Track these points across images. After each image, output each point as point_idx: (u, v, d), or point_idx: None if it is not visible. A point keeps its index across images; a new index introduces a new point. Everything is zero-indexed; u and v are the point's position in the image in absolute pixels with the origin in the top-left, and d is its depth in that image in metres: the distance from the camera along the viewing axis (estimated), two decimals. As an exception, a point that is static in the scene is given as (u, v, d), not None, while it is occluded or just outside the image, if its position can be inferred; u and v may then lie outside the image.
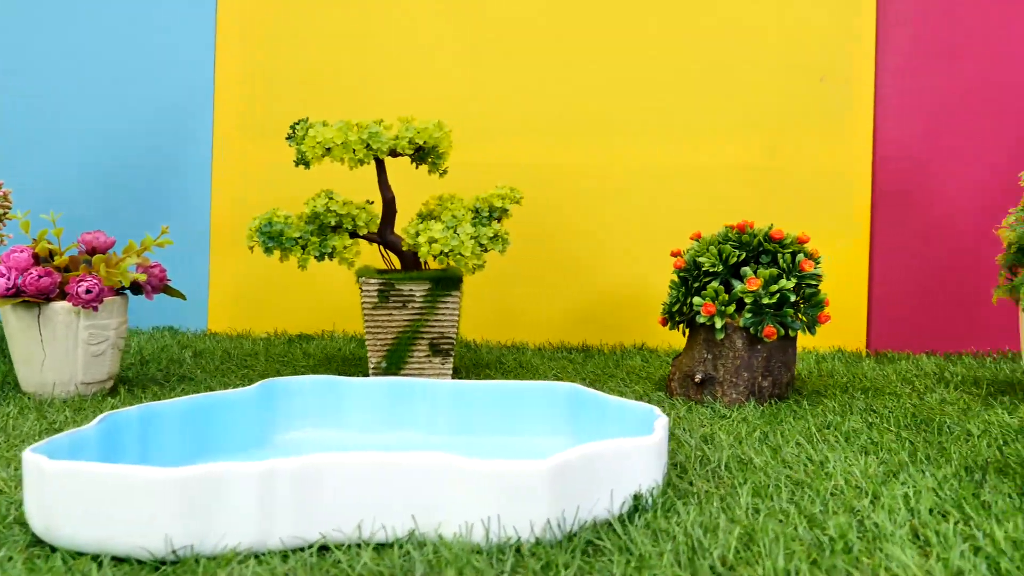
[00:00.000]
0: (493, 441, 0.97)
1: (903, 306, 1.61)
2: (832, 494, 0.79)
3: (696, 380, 1.21)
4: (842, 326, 1.62)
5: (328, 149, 1.23)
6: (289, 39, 1.73)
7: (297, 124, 1.29)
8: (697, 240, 1.28)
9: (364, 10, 1.71)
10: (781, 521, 0.72)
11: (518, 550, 0.65)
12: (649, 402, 1.20)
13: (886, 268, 1.61)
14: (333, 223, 1.26)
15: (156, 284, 1.24)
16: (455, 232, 1.24)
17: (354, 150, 1.22)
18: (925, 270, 1.60)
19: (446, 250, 1.21)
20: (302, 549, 0.66)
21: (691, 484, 0.82)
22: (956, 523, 0.71)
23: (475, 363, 1.50)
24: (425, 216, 1.37)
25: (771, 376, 1.20)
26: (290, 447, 0.95)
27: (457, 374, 1.40)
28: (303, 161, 1.25)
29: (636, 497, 0.74)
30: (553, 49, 1.66)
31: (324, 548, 0.66)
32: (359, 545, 0.67)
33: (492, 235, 1.25)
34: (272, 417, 0.97)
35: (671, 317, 1.27)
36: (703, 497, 0.78)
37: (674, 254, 1.30)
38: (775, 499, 0.77)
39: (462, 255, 1.21)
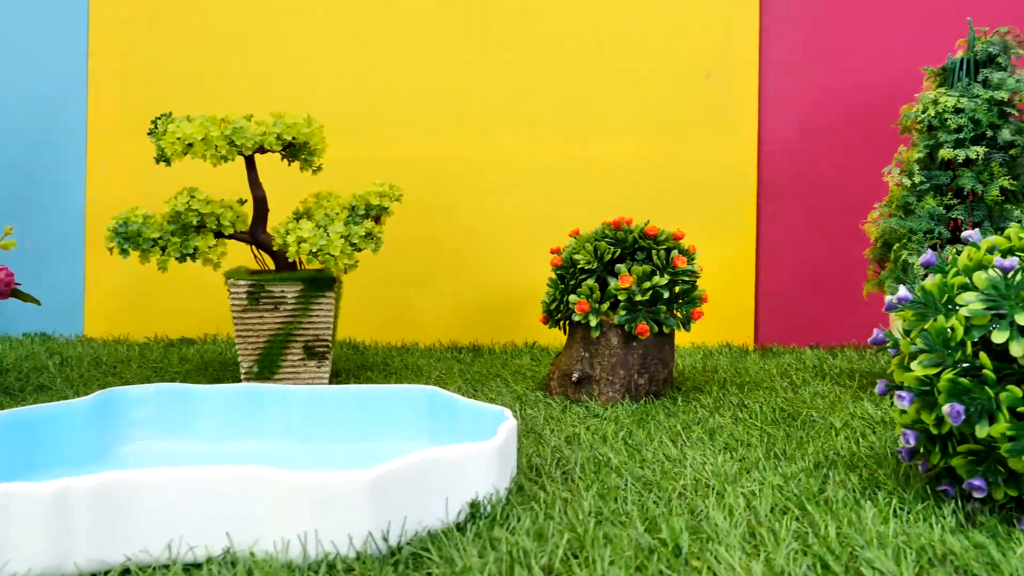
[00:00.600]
0: (348, 448, 0.94)
1: (789, 300, 1.63)
2: (680, 494, 0.78)
3: (573, 379, 1.19)
4: (731, 321, 1.64)
5: (189, 145, 1.17)
6: (166, 30, 1.66)
7: (159, 118, 1.22)
8: (575, 237, 1.27)
9: (244, 1, 1.65)
10: (619, 525, 0.70)
11: (333, 566, 0.62)
12: (526, 402, 1.18)
13: (772, 262, 1.63)
14: (195, 222, 1.20)
15: (2, 289, 1.16)
16: (325, 231, 1.20)
17: (216, 146, 1.17)
18: (809, 264, 1.62)
19: (314, 249, 1.17)
20: (106, 573, 0.62)
21: (542, 488, 0.80)
22: (793, 521, 0.71)
23: (360, 365, 1.46)
24: (301, 215, 1.32)
25: (647, 373, 1.19)
26: (131, 460, 0.89)
27: (338, 377, 1.36)
28: (163, 158, 1.20)
29: (473, 505, 0.71)
30: (439, 40, 1.63)
31: (127, 572, 0.62)
32: (167, 566, 0.62)
33: (364, 234, 1.22)
34: (113, 429, 0.92)
35: (550, 315, 1.26)
36: (548, 501, 0.76)
37: (553, 251, 1.29)
38: (620, 502, 0.76)
39: (331, 255, 1.17)
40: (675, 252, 1.19)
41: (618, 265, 1.18)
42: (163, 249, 1.19)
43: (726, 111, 1.61)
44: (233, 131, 1.18)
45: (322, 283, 1.24)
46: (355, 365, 1.46)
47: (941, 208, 1.14)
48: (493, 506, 0.72)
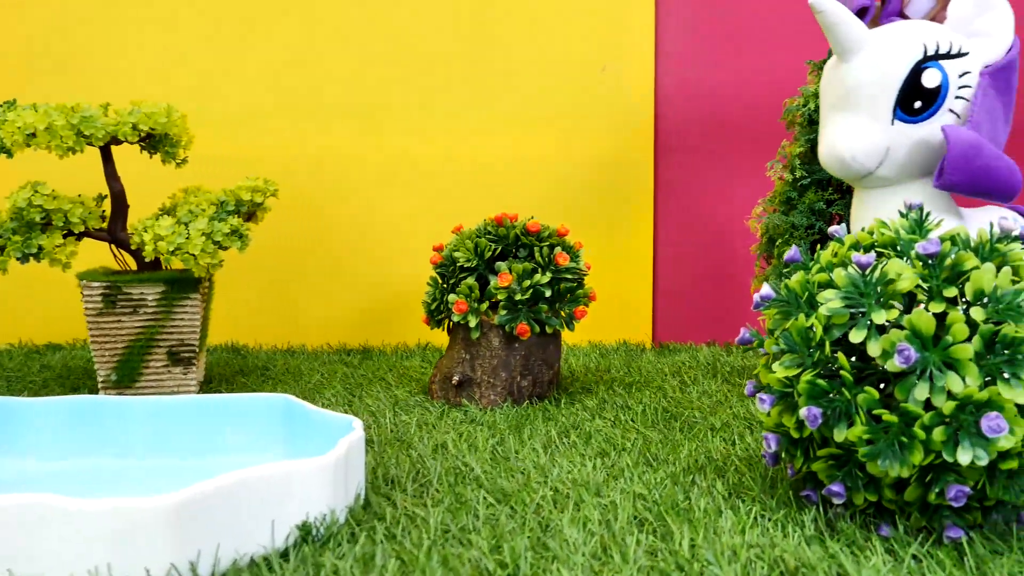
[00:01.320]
0: (195, 464, 0.86)
1: (686, 296, 1.61)
2: (538, 506, 0.74)
3: (453, 382, 1.14)
4: (628, 318, 1.61)
5: (31, 135, 1.08)
6: (16, 13, 1.54)
7: (1, 106, 1.12)
8: (457, 234, 1.22)
9: (116, -17, 1.55)
10: (463, 544, 0.65)
11: (124, 606, 0.55)
12: (404, 408, 1.12)
13: (669, 258, 1.61)
14: (40, 220, 1.10)
15: None
16: (186, 228, 1.11)
17: (62, 137, 1.08)
18: (706, 259, 1.60)
19: (172, 248, 1.09)
20: None
21: (393, 503, 0.75)
22: (648, 535, 0.67)
23: (238, 371, 1.38)
24: (168, 211, 1.24)
25: (531, 375, 1.15)
26: (-57, 483, 0.81)
27: (209, 384, 1.28)
28: (3, 149, 1.10)
29: (304, 527, 0.65)
30: (319, 27, 1.56)
31: None
32: (-66, 612, 0.55)
33: (229, 231, 1.14)
34: (-77, 449, 0.83)
35: (432, 316, 1.20)
36: (393, 519, 0.70)
37: (436, 248, 1.23)
38: (471, 517, 0.71)
39: (191, 253, 1.09)
40: (558, 249, 1.15)
41: (498, 263, 1.13)
42: (2, 249, 1.09)
43: (622, 105, 1.57)
44: (81, 120, 1.09)
45: (186, 284, 1.16)
46: (232, 371, 1.38)
47: (822, 203, 1.12)
48: (328, 528, 0.66)
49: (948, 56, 0.94)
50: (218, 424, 0.89)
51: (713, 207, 1.58)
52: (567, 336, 1.59)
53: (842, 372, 0.66)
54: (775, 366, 0.71)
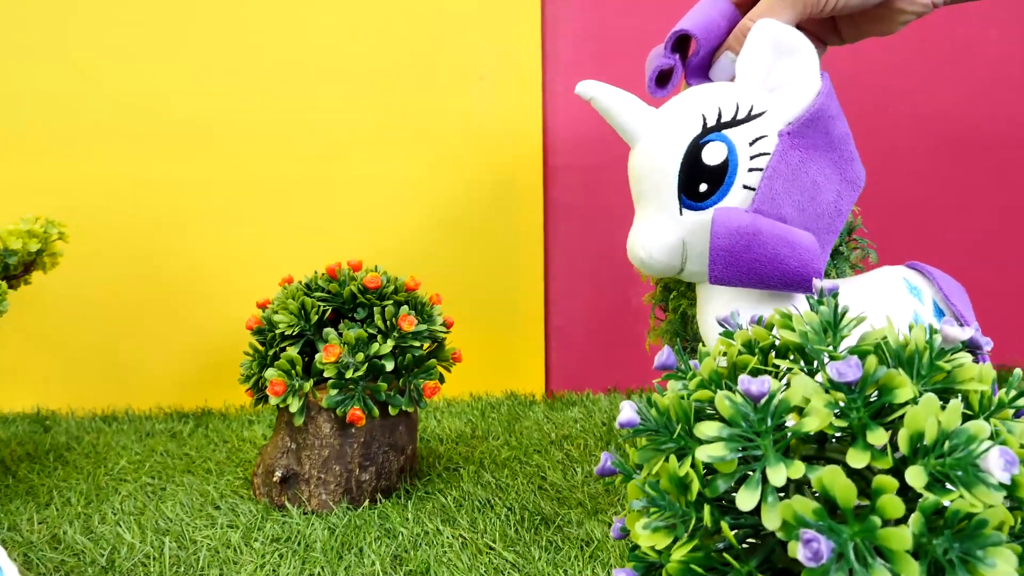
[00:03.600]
0: None
1: (582, 337, 1.41)
2: None
3: (275, 479, 0.91)
4: (518, 364, 1.39)
5: None
6: None
7: None
8: (284, 287, 0.98)
9: None
10: None
11: None
12: (217, 511, 0.88)
13: (563, 296, 1.40)
14: None
15: None
16: (-87, 294, 0.86)
17: None
18: (602, 297, 1.40)
19: None
20: None
21: None
22: None
23: (28, 453, 1.12)
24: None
25: (373, 466, 0.93)
26: None
27: (-19, 477, 1.02)
28: None
29: None
30: (145, 28, 1.29)
31: None
32: None
33: (-25, 296, 0.88)
34: None
35: (255, 391, 0.97)
36: None
37: (260, 305, 0.99)
38: None
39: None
40: (404, 309, 0.93)
41: (326, 329, 0.91)
42: None
43: (507, 119, 1.36)
44: None
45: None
46: (25, 451, 1.12)
47: (723, 248, 0.92)
48: None
49: (734, 123, 0.73)
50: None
51: (608, 233, 1.38)
52: (445, 389, 1.37)
53: (726, 554, 0.46)
54: (639, 526, 0.50)
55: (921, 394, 0.46)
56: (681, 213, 0.73)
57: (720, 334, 0.57)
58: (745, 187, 0.72)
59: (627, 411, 0.53)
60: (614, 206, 1.38)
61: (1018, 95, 1.43)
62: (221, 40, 1.29)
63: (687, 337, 0.94)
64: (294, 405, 0.88)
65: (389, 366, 0.89)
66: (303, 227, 1.33)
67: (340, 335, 0.90)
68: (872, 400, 0.46)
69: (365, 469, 0.92)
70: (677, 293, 0.94)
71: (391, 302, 0.93)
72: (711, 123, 0.72)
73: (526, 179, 1.37)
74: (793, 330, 0.52)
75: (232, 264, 1.32)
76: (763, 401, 0.47)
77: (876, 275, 0.80)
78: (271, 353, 0.92)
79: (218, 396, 1.33)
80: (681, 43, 0.81)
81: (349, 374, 0.87)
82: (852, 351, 0.48)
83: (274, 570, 0.74)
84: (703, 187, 0.72)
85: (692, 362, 0.57)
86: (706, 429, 0.48)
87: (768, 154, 0.71)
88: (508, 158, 1.36)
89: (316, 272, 0.96)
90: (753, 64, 0.74)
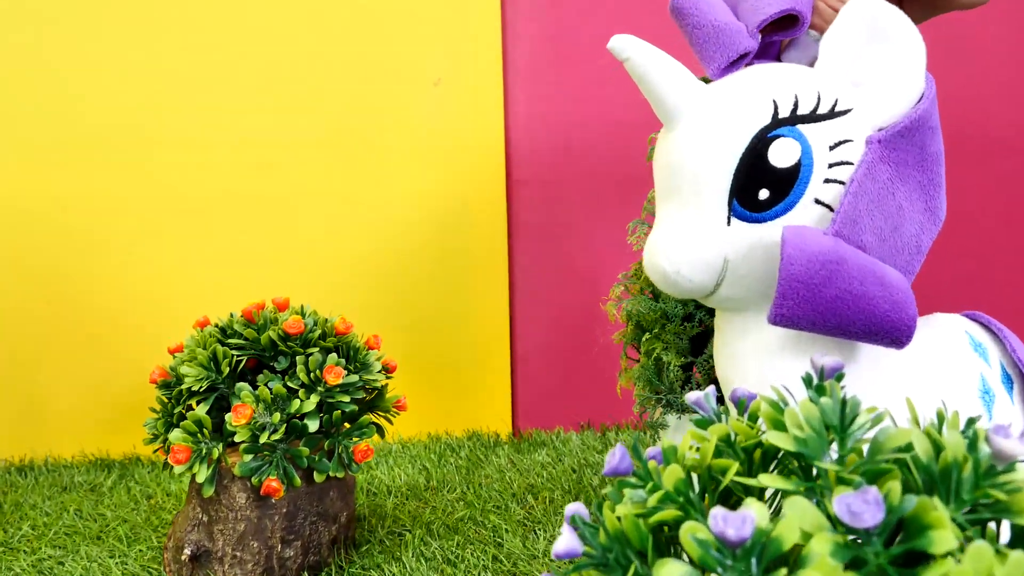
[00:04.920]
0: None
1: (550, 369, 1.28)
2: None
3: (184, 556, 0.78)
4: (482, 400, 1.26)
5: None
6: None
7: None
8: (197, 331, 0.85)
9: None
10: None
11: None
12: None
13: (529, 322, 1.27)
14: None
15: None
16: None
17: None
18: (573, 323, 1.27)
19: None
20: None
21: None
22: None
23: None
24: None
25: (299, 540, 0.80)
26: None
27: None
28: None
29: None
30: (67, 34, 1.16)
31: None
32: None
33: None
34: None
35: (166, 451, 0.83)
36: None
37: (172, 352, 0.86)
38: None
39: None
40: (332, 358, 0.79)
41: (239, 384, 0.77)
42: None
43: (467, 129, 1.23)
44: None
45: None
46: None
47: (702, 283, 0.80)
48: None
49: (813, 118, 0.57)
50: None
51: (575, 255, 1.25)
52: (397, 427, 1.23)
53: None
54: None
55: (965, 535, 0.33)
56: (729, 223, 0.57)
57: (694, 421, 0.45)
58: (817, 201, 0.56)
59: (566, 538, 0.40)
60: (576, 226, 1.25)
61: (1018, 95, 1.32)
62: (140, 39, 1.16)
63: (661, 387, 0.81)
64: (201, 474, 0.75)
65: (313, 426, 0.76)
66: (232, 247, 1.20)
67: (256, 388, 0.76)
68: (897, 542, 0.34)
69: (289, 544, 0.79)
70: (651, 335, 0.81)
71: (317, 349, 0.80)
72: (784, 113, 0.56)
73: (487, 194, 1.24)
74: (785, 430, 0.40)
75: (157, 290, 1.19)
76: (745, 546, 0.34)
77: (933, 328, 0.62)
78: (177, 412, 0.79)
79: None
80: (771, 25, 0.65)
81: (264, 438, 0.74)
82: (867, 470, 0.36)
83: None
84: (764, 194, 0.56)
85: (653, 452, 0.45)
86: (668, 574, 0.36)
87: (851, 164, 0.56)
88: (466, 171, 1.23)
89: (232, 315, 0.83)
90: (841, 47, 0.58)
